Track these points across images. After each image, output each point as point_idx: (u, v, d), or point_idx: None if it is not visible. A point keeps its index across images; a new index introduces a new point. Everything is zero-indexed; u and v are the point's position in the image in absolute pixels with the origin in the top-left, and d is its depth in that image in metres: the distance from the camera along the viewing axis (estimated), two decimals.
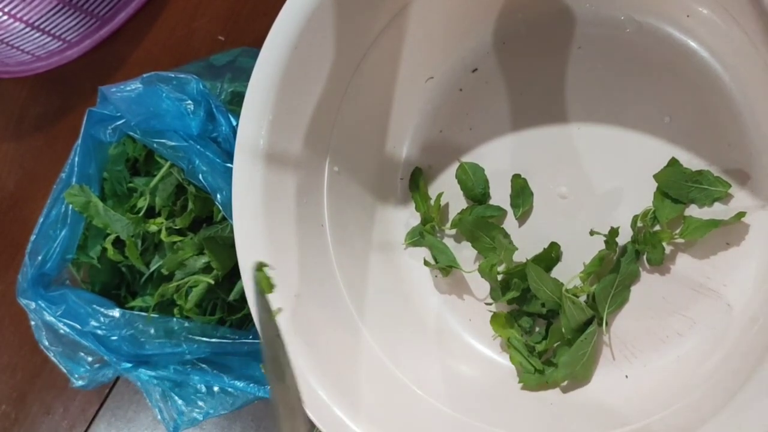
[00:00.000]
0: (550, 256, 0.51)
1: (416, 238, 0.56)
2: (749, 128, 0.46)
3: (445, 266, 0.54)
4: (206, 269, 0.59)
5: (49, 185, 0.60)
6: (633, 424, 0.44)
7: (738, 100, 0.47)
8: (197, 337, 0.57)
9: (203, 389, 0.59)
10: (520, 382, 0.50)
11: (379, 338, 0.52)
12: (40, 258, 0.59)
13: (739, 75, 0.47)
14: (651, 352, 0.48)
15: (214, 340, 0.56)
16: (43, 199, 0.60)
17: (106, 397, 0.70)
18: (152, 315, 0.57)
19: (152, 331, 0.57)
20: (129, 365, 0.57)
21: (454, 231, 0.56)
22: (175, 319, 0.57)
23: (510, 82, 0.55)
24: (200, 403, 0.59)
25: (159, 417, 0.59)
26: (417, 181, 0.57)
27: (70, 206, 0.59)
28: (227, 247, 0.58)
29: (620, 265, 0.48)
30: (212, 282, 0.57)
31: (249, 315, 0.49)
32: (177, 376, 0.57)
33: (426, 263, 0.55)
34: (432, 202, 0.56)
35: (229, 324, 0.60)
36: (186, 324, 0.57)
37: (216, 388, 0.58)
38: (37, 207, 0.61)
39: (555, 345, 0.50)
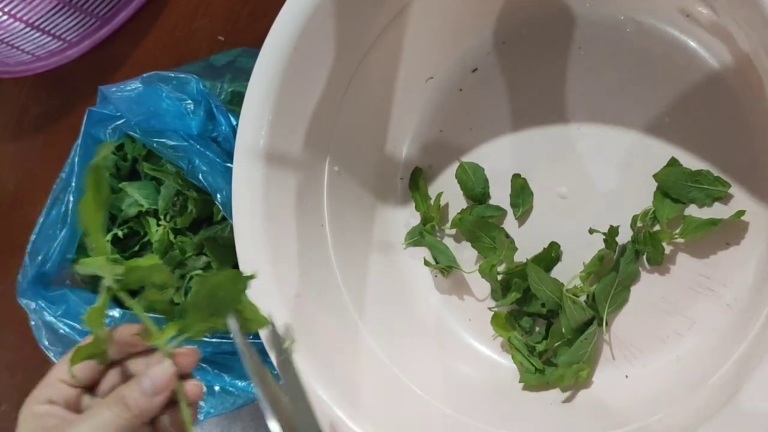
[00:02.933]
0: (550, 256, 0.51)
1: (416, 238, 0.56)
2: (749, 128, 0.46)
3: (445, 266, 0.54)
4: (206, 269, 0.59)
5: (49, 185, 0.60)
6: (633, 423, 0.44)
7: (738, 100, 0.47)
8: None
9: (204, 389, 0.59)
10: (520, 381, 0.50)
11: (379, 338, 0.52)
12: (40, 258, 0.59)
13: (739, 75, 0.47)
14: (651, 352, 0.48)
15: (214, 339, 0.56)
16: (43, 199, 0.60)
17: None
18: (152, 315, 0.57)
19: None
20: None
21: (454, 231, 0.56)
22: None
23: (510, 82, 0.55)
24: (200, 403, 0.58)
25: None
26: (417, 181, 0.57)
27: (70, 206, 0.59)
28: (227, 247, 0.58)
29: (620, 265, 0.48)
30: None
31: None
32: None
33: (426, 263, 0.55)
34: (432, 202, 0.56)
35: None
36: None
37: (216, 388, 0.58)
38: (37, 207, 0.61)
39: (555, 345, 0.50)
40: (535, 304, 0.51)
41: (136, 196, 0.61)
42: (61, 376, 0.40)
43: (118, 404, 0.38)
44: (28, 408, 0.40)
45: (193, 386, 0.40)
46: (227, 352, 0.57)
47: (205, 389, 0.40)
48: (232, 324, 0.40)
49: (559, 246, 0.52)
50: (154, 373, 0.39)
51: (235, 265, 0.50)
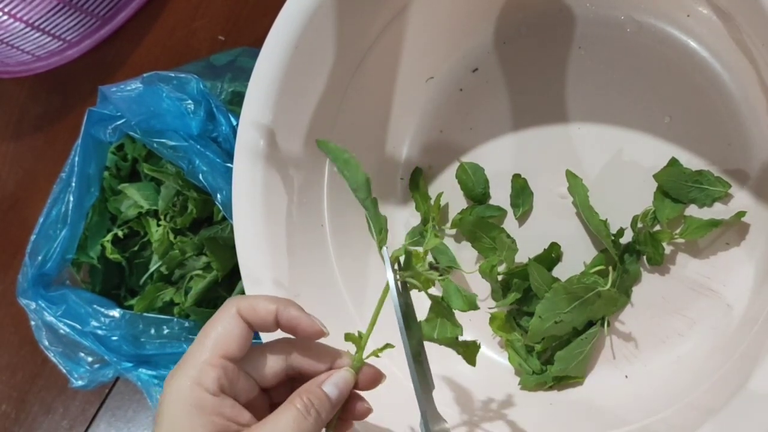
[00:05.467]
0: (551, 257, 0.51)
1: (416, 238, 0.56)
2: (749, 128, 0.47)
3: (445, 266, 0.54)
4: (206, 269, 0.59)
5: (49, 185, 0.60)
6: (633, 424, 0.44)
7: (738, 100, 0.47)
8: None
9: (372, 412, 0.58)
10: (519, 383, 0.50)
11: (378, 338, 0.52)
12: (40, 258, 0.59)
13: (739, 75, 0.47)
14: (651, 352, 0.48)
15: None
16: (43, 199, 0.60)
17: (106, 397, 0.70)
18: (152, 315, 0.57)
19: (152, 331, 0.57)
20: (129, 365, 0.57)
21: (454, 231, 0.56)
22: (175, 319, 0.57)
23: (510, 81, 0.55)
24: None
25: None
26: (417, 181, 0.57)
27: (71, 206, 0.59)
28: (227, 248, 0.58)
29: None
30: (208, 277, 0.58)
31: None
32: None
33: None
34: (432, 202, 0.56)
35: None
36: (186, 324, 0.57)
37: None
38: (37, 207, 0.61)
39: (554, 344, 0.50)
40: (536, 304, 0.51)
41: (136, 198, 0.61)
42: (227, 352, 0.34)
43: (310, 412, 0.35)
44: (191, 393, 0.33)
45: (364, 408, 0.38)
46: None
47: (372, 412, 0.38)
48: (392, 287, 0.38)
49: (559, 246, 0.52)
50: (342, 383, 0.37)
51: (236, 266, 0.50)
